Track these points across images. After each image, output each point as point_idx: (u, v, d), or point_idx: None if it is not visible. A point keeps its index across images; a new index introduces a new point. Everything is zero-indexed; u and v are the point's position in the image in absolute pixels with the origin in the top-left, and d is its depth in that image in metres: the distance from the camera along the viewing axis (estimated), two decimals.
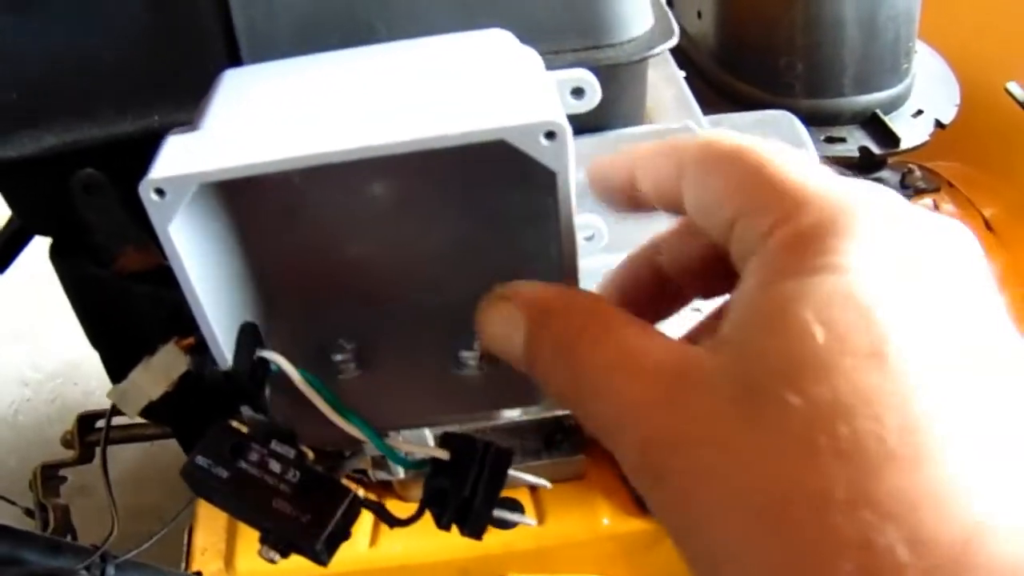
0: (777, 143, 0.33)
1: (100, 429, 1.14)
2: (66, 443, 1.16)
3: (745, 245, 0.31)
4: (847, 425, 0.25)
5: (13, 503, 1.15)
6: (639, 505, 1.01)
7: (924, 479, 0.24)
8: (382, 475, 0.70)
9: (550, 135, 0.40)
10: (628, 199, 0.41)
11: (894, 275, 0.27)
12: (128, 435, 1.15)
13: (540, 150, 0.40)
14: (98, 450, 1.15)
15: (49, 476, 1.14)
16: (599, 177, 0.42)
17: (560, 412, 0.55)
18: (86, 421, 1.15)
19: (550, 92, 0.44)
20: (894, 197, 0.31)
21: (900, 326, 0.26)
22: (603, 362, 0.32)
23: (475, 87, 0.44)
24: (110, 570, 0.82)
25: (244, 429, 0.51)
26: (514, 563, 1.03)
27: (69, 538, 1.04)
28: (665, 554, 1.06)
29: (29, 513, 1.12)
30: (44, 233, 0.65)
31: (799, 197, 0.30)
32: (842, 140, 1.13)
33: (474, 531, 0.50)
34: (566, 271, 0.45)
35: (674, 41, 0.55)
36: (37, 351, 2.12)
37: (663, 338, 0.33)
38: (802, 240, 0.29)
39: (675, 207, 0.38)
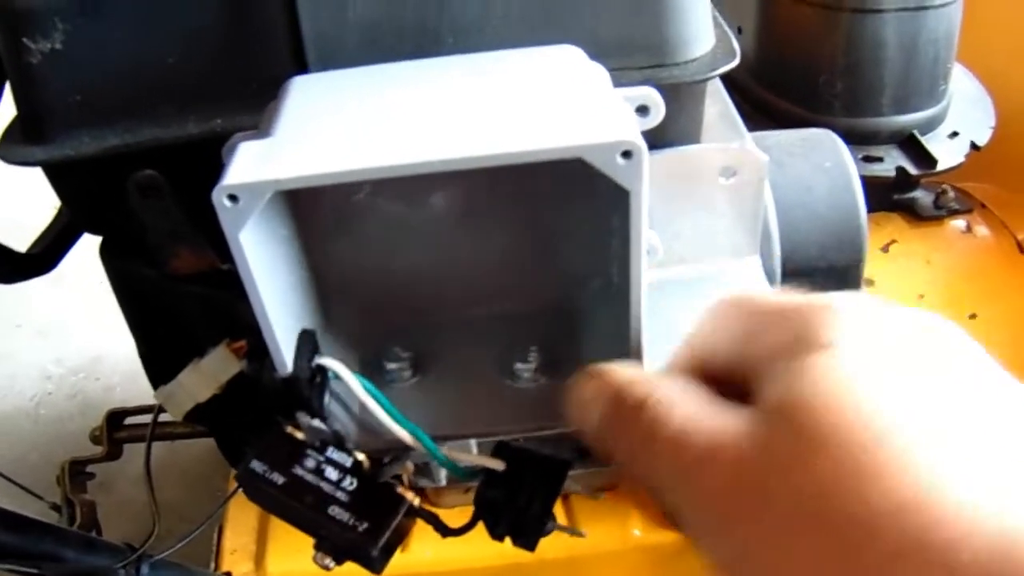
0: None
1: (128, 426, 1.15)
2: (94, 439, 1.16)
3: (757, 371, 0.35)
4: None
5: (40, 498, 1.15)
6: (670, 517, 1.02)
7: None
8: (424, 482, 0.71)
9: (627, 154, 0.40)
10: None
11: (862, 354, 0.32)
12: (157, 433, 1.15)
13: (615, 169, 0.40)
14: (126, 447, 1.16)
15: (77, 472, 1.14)
16: None
17: None
18: (115, 418, 1.15)
19: (624, 110, 0.44)
20: (865, 298, 0.35)
21: (881, 403, 0.30)
22: (663, 438, 0.36)
23: (548, 103, 0.44)
24: (144, 569, 0.83)
25: (299, 436, 0.51)
26: (544, 572, 1.03)
27: (94, 534, 1.04)
28: (694, 566, 1.06)
29: (55, 508, 1.12)
30: (97, 232, 0.65)
31: (784, 315, 0.35)
32: (879, 160, 1.13)
33: (528, 543, 0.50)
34: (634, 288, 0.45)
35: (735, 62, 0.56)
36: (60, 346, 2.13)
37: (714, 410, 0.35)
38: (789, 346, 0.33)
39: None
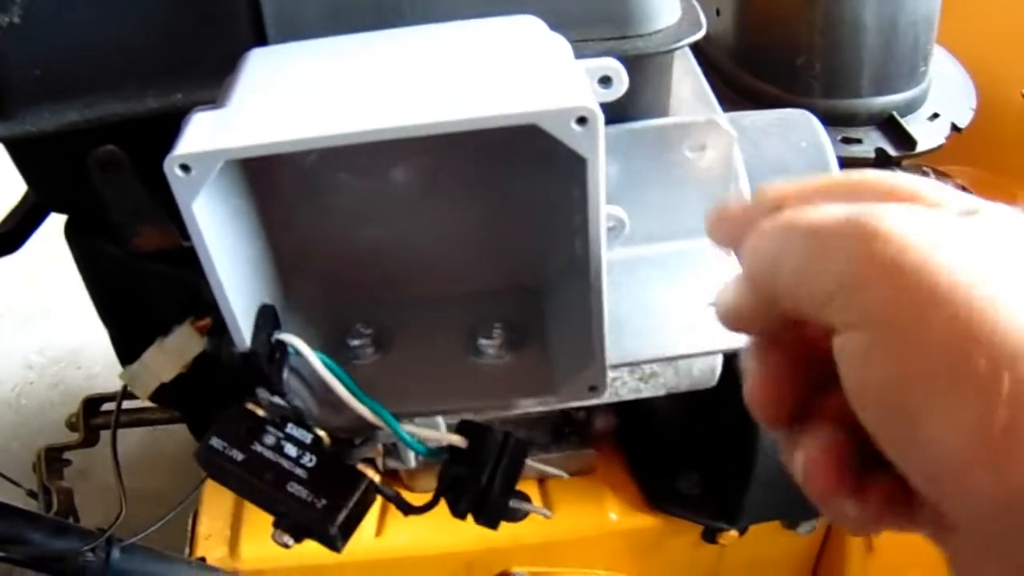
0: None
1: (105, 412, 1.14)
2: (71, 426, 1.15)
3: None
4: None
5: (18, 485, 1.14)
6: (647, 501, 1.01)
7: None
8: (394, 463, 0.70)
9: (582, 120, 0.39)
10: None
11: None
12: (135, 419, 1.14)
13: (571, 136, 0.40)
14: (103, 433, 1.15)
15: (53, 459, 1.13)
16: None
17: (574, 405, 0.55)
18: (91, 404, 1.15)
19: (581, 78, 0.44)
20: None
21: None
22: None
23: (505, 71, 0.44)
24: (115, 553, 0.82)
25: (260, 412, 0.51)
26: (520, 556, 1.03)
27: (71, 520, 1.04)
28: (671, 550, 1.06)
29: (32, 495, 1.12)
30: (60, 210, 0.64)
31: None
32: (858, 141, 1.12)
33: (490, 520, 0.50)
34: (594, 259, 0.45)
35: (702, 33, 0.55)
36: (42, 335, 2.11)
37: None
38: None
39: None
